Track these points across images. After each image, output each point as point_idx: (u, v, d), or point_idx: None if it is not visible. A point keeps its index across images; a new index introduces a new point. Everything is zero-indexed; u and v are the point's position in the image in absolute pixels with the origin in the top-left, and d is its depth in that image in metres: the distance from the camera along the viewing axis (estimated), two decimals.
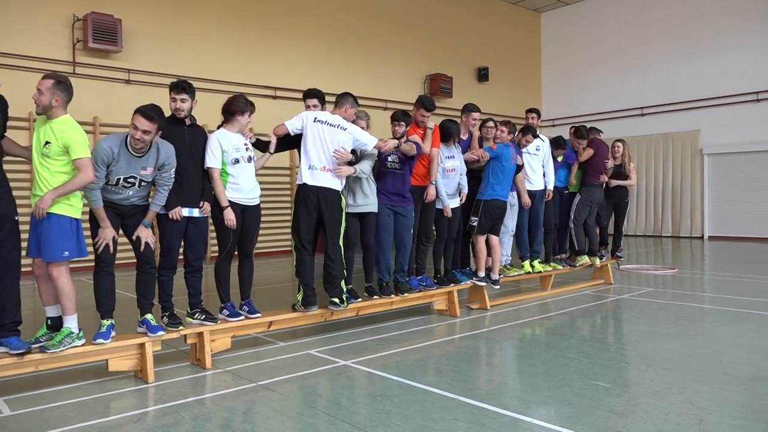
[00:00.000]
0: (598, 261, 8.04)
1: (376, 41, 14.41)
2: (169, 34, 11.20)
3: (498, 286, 6.63)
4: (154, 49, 10.96)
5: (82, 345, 3.92)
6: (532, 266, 7.33)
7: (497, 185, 6.41)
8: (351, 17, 13.98)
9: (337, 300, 5.04)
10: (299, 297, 5.02)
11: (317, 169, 4.95)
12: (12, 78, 9.10)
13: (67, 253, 3.79)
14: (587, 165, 7.89)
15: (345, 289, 5.16)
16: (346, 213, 5.18)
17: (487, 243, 6.56)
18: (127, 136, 4.04)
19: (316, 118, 5.04)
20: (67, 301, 3.86)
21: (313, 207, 4.95)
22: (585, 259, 7.87)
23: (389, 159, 5.61)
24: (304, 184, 4.97)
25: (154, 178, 4.20)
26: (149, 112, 3.94)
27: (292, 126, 5.04)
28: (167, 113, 4.39)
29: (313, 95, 5.31)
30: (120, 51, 10.37)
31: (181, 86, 4.43)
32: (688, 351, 4.71)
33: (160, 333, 4.19)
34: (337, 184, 5.04)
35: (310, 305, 4.98)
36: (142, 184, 4.16)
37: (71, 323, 3.88)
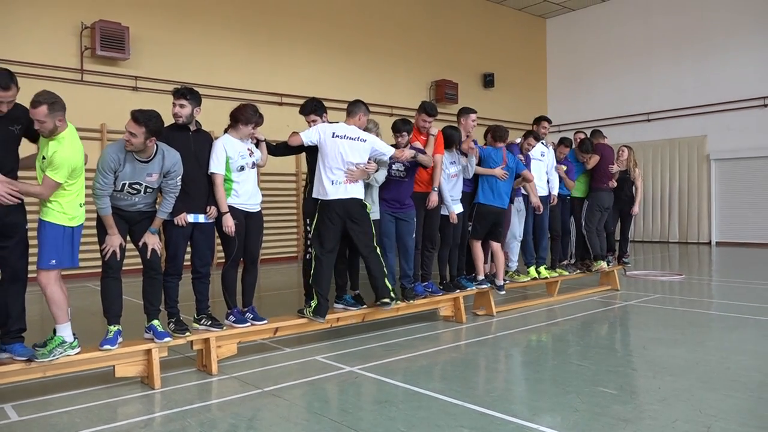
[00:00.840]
0: (605, 265, 8.02)
1: (381, 47, 14.45)
2: (175, 41, 11.28)
3: (503, 292, 6.61)
4: (160, 57, 11.04)
5: (77, 354, 3.88)
6: (538, 272, 7.31)
7: (489, 190, 6.37)
8: (356, 24, 14.04)
9: (387, 300, 5.19)
10: (313, 304, 5.02)
11: (341, 183, 4.98)
12: (21, 86, 9.17)
13: (54, 261, 3.76)
14: (594, 170, 7.88)
15: (391, 287, 5.28)
16: None
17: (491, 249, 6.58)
18: None
19: (334, 133, 5.03)
20: (57, 310, 3.82)
21: (338, 219, 4.99)
22: (602, 264, 7.87)
23: (394, 167, 5.62)
24: (330, 199, 4.97)
25: (161, 184, 4.22)
26: (136, 113, 3.96)
27: (308, 138, 5.05)
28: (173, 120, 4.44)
29: (309, 111, 5.24)
30: (127, 58, 10.45)
31: (180, 92, 4.45)
32: (695, 357, 4.68)
33: (167, 339, 4.20)
34: (361, 193, 5.11)
35: (322, 315, 4.99)
36: (148, 190, 4.18)
37: (63, 332, 3.84)
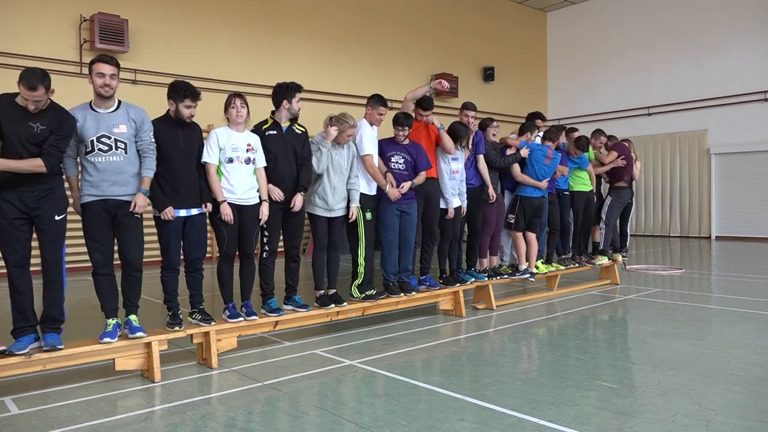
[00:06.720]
0: (606, 260, 8.10)
1: (381, 40, 14.41)
2: (175, 34, 11.24)
3: (534, 279, 6.97)
4: (160, 50, 11.01)
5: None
6: (542, 266, 7.31)
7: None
8: (356, 16, 13.99)
9: (372, 292, 5.53)
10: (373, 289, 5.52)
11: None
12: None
13: None
14: (613, 168, 8.15)
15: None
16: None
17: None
18: (90, 102, 4.06)
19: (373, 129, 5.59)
20: None
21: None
22: (604, 260, 8.06)
23: (393, 160, 5.63)
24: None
25: (137, 145, 4.10)
26: (105, 57, 4.01)
27: (376, 149, 5.49)
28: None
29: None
30: (126, 51, 10.42)
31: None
32: (695, 351, 4.68)
33: (139, 334, 4.08)
34: None
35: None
36: (119, 146, 4.00)
37: None
